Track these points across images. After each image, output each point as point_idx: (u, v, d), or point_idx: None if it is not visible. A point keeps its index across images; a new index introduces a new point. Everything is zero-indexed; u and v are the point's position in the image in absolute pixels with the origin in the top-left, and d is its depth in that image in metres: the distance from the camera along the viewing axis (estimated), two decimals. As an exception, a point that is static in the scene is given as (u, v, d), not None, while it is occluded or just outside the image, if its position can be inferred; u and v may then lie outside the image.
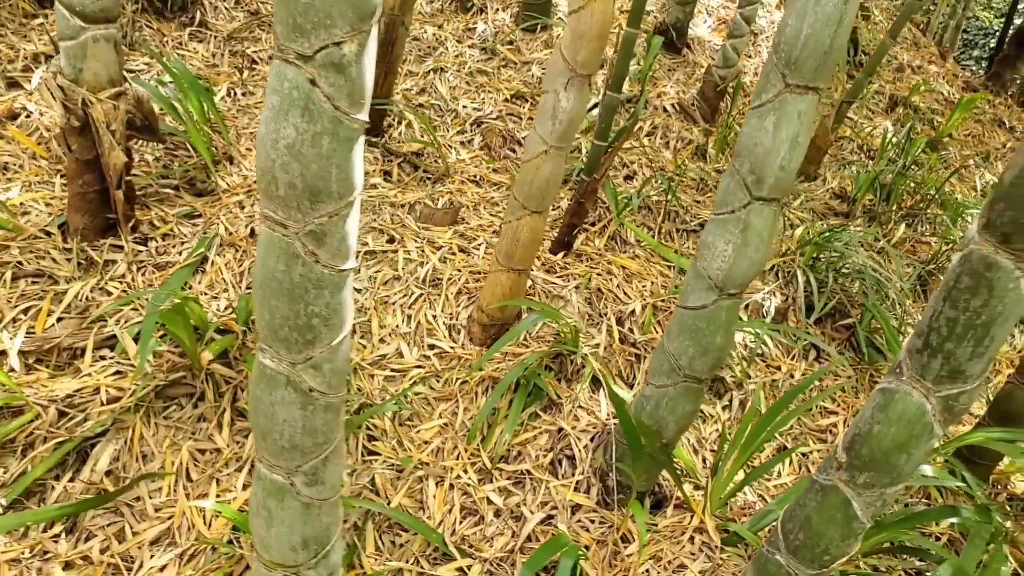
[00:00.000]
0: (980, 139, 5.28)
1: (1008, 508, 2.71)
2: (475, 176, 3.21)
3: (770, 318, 2.85)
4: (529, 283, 2.58)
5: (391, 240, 2.62)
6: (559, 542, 1.79)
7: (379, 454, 2.11)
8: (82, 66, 2.09)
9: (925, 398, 1.42)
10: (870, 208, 3.74)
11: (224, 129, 2.81)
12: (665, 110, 3.85)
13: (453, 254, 2.61)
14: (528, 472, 2.12)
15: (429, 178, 3.14)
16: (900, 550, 2.20)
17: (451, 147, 3.36)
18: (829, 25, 1.52)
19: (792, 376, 2.77)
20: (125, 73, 2.18)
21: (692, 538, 2.06)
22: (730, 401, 2.61)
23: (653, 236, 3.10)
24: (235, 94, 3.20)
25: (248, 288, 2.39)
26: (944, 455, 2.40)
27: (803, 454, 2.58)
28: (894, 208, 3.76)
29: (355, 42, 0.95)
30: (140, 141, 2.54)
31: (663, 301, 2.78)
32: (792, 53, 1.57)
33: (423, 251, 2.58)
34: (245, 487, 1.94)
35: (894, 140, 4.20)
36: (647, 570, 1.95)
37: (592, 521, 2.04)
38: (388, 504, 2.00)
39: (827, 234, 3.07)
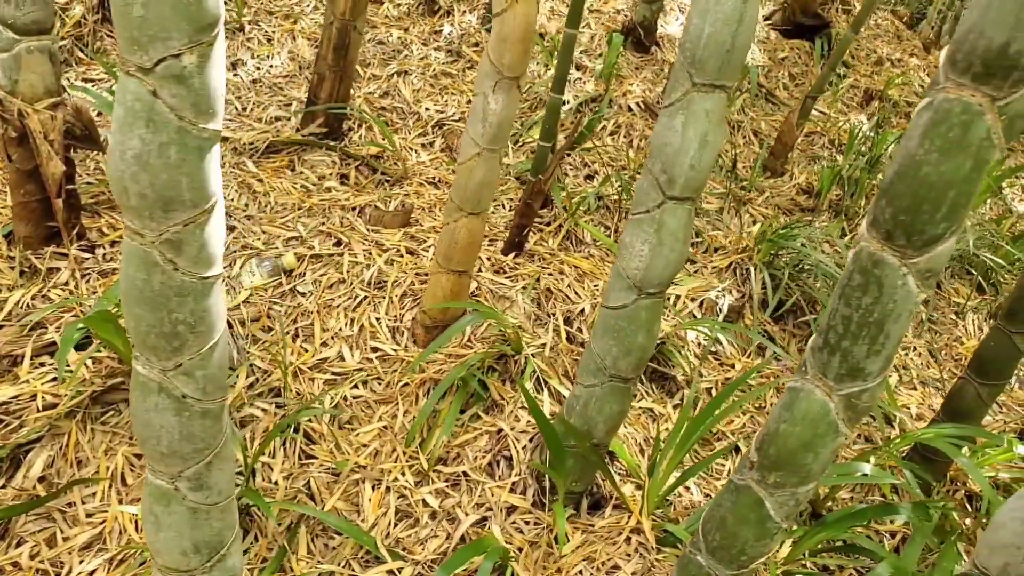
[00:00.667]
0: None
1: (968, 506, 2.69)
2: (434, 178, 3.22)
3: (723, 316, 2.84)
4: (476, 284, 2.59)
5: (338, 243, 2.63)
6: (482, 544, 1.80)
7: (316, 458, 2.12)
8: (17, 77, 2.11)
9: (828, 397, 1.42)
10: (837, 203, 3.73)
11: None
12: (630, 109, 3.84)
13: (401, 256, 2.62)
14: (465, 474, 2.13)
15: (388, 180, 3.15)
16: (849, 549, 2.19)
17: (412, 149, 3.37)
18: (729, 24, 1.52)
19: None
20: (80, 82, 2.20)
21: (629, 539, 2.06)
22: (682, 400, 2.61)
23: (610, 235, 3.10)
24: (194, 101, 3.21)
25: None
26: (890, 453, 2.39)
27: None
28: (861, 202, 3.75)
29: (195, 53, 0.95)
30: (93, 150, 2.56)
31: (616, 300, 2.77)
32: (696, 52, 1.57)
33: (370, 254, 2.59)
34: (179, 492, 1.95)
35: (866, 133, 4.18)
36: (580, 571, 1.95)
37: (527, 522, 2.04)
38: (322, 508, 2.01)
39: (784, 231, 3.06)
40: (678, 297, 2.89)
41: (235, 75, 3.46)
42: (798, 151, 4.17)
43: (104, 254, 2.42)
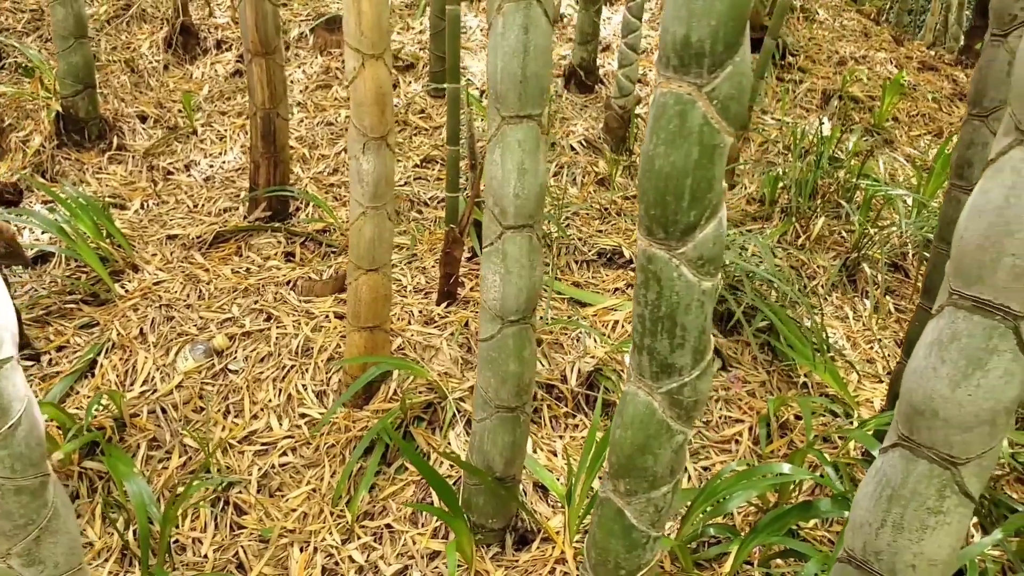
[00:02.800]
0: (932, 117, 5.17)
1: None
2: (378, 243, 3.32)
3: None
4: (403, 339, 2.65)
5: (268, 318, 2.74)
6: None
7: (246, 527, 2.18)
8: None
9: (650, 396, 1.43)
10: (789, 207, 3.71)
11: (124, 242, 3.01)
12: (572, 148, 3.92)
13: (329, 321, 2.71)
14: (389, 526, 2.16)
15: (334, 251, 3.27)
16: (788, 554, 2.14)
17: (358, 219, 3.49)
18: (516, 56, 1.59)
19: (693, 390, 2.74)
20: (39, 206, 2.39)
21: (553, 570, 2.05)
22: (624, 424, 2.59)
23: (549, 271, 3.14)
24: (148, 206, 3.42)
25: (139, 384, 2.53)
26: (817, 452, 2.33)
27: (704, 468, 2.54)
28: (818, 202, 3.71)
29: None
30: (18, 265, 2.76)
31: (550, 334, 2.80)
32: (496, 87, 1.64)
33: (298, 324, 2.69)
34: (112, 575, 2.03)
35: (818, 133, 4.17)
36: (501, 607, 1.94)
37: (447, 566, 2.05)
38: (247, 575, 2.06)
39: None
40: (616, 322, 2.90)
41: (188, 175, 3.67)
42: (752, 161, 4.17)
43: (50, 359, 2.58)
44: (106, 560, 2.07)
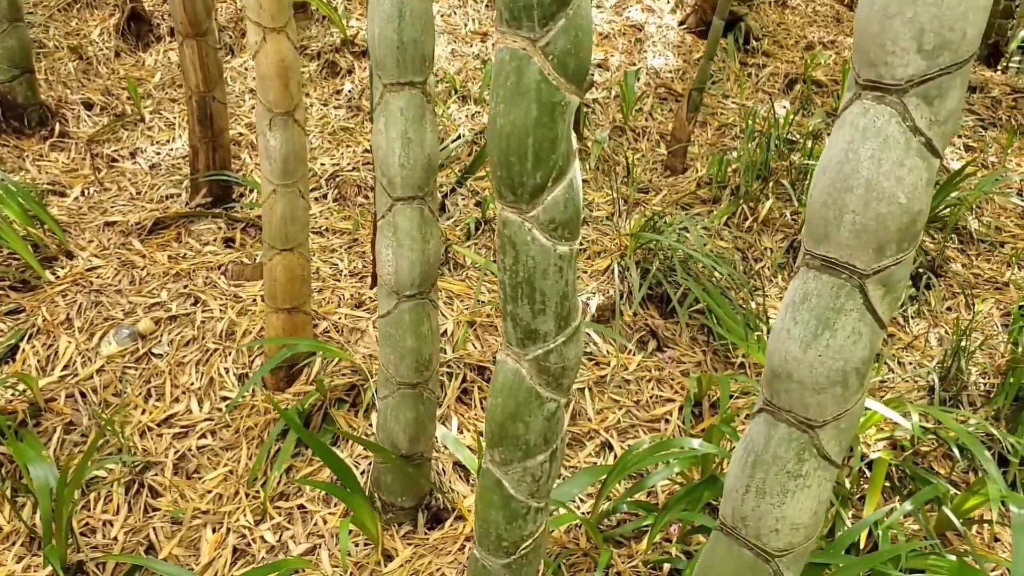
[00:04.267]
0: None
1: (866, 470, 2.57)
2: (320, 227, 3.31)
3: (589, 316, 2.82)
4: (327, 322, 2.64)
5: (196, 302, 2.72)
6: (279, 565, 1.81)
7: (159, 509, 2.16)
8: None
9: (518, 363, 1.42)
10: (738, 190, 3.69)
11: (56, 228, 2.99)
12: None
13: (255, 304, 2.70)
14: (302, 506, 2.14)
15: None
16: (705, 530, 2.12)
17: (302, 205, 3.47)
18: (391, 21, 1.57)
19: (626, 368, 2.73)
20: None
21: (463, 546, 2.03)
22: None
23: (486, 254, 3.13)
24: (88, 193, 3.40)
25: (61, 369, 2.52)
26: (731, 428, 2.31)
27: (630, 447, 2.52)
28: (769, 184, 3.69)
29: None
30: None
31: (486, 316, 2.79)
32: (375, 54, 1.62)
33: (225, 307, 2.68)
34: (18, 559, 2.02)
35: (776, 116, 4.14)
36: (406, 585, 1.93)
37: (356, 544, 2.04)
38: (157, 556, 2.05)
39: (654, 224, 3.04)
40: (552, 304, 2.88)
41: (133, 163, 3.65)
42: (708, 145, 4.15)
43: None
44: (13, 544, 2.06)
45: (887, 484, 2.51)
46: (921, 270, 3.55)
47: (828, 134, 4.31)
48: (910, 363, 3.07)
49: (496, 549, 1.59)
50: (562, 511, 2.03)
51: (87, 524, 2.12)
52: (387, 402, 1.94)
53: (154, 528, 2.11)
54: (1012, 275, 3.69)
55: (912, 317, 3.36)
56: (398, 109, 1.64)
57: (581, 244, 3.20)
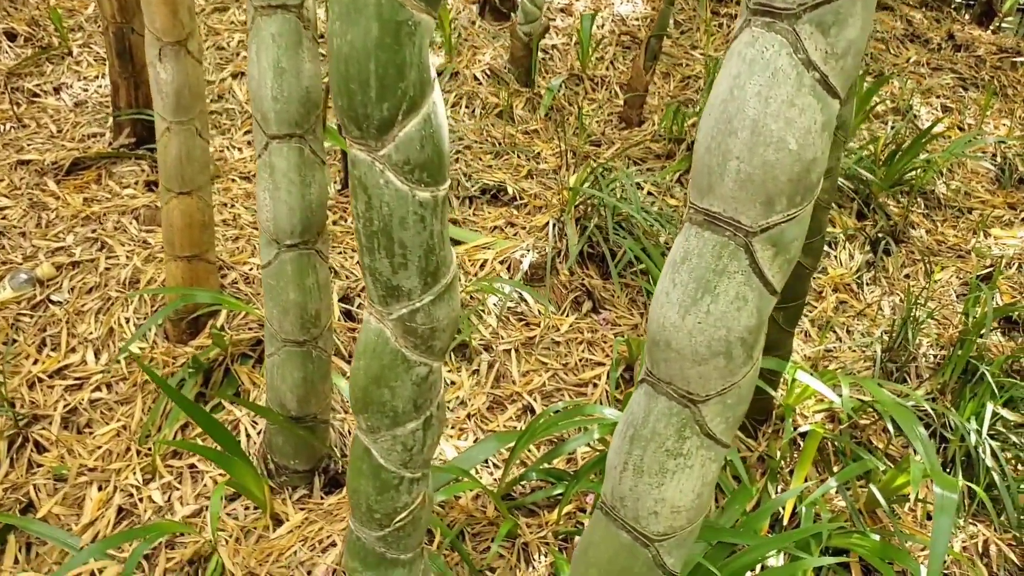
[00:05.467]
0: (875, 57, 4.96)
1: (800, 442, 2.47)
2: (250, 172, 3.13)
3: (519, 276, 2.68)
4: (236, 273, 2.48)
5: (102, 247, 2.56)
6: (159, 527, 1.69)
7: (43, 465, 2.03)
8: None
9: (381, 323, 1.27)
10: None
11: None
12: (476, 78, 3.70)
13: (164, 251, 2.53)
14: (194, 466, 2.02)
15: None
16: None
17: (235, 148, 3.29)
18: (257, -66, 1.39)
19: (557, 330, 2.60)
20: None
21: (360, 513, 1.91)
22: (479, 367, 2.45)
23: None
24: (5, 129, 3.20)
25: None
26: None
27: (557, 411, 2.41)
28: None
29: None
30: None
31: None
32: (243, -27, 1.45)
33: (132, 254, 2.51)
34: None
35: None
36: (294, 552, 1.82)
37: (247, 508, 1.92)
38: (36, 515, 1.92)
39: (599, 180, 2.88)
40: (486, 261, 2.74)
41: (57, 99, 3.43)
42: (669, 97, 3.97)
43: None
44: None
45: (822, 458, 2.41)
46: (881, 235, 3.42)
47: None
48: (860, 332, 2.95)
49: (369, 521, 1.47)
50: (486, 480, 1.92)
51: (-38, 480, 1.99)
52: (274, 360, 1.80)
53: (35, 485, 1.99)
54: (976, 243, 3.57)
55: (868, 284, 3.24)
56: (270, 35, 1.47)
57: (521, 198, 3.05)
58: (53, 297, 2.40)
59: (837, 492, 2.23)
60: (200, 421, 1.72)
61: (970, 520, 2.36)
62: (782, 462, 2.34)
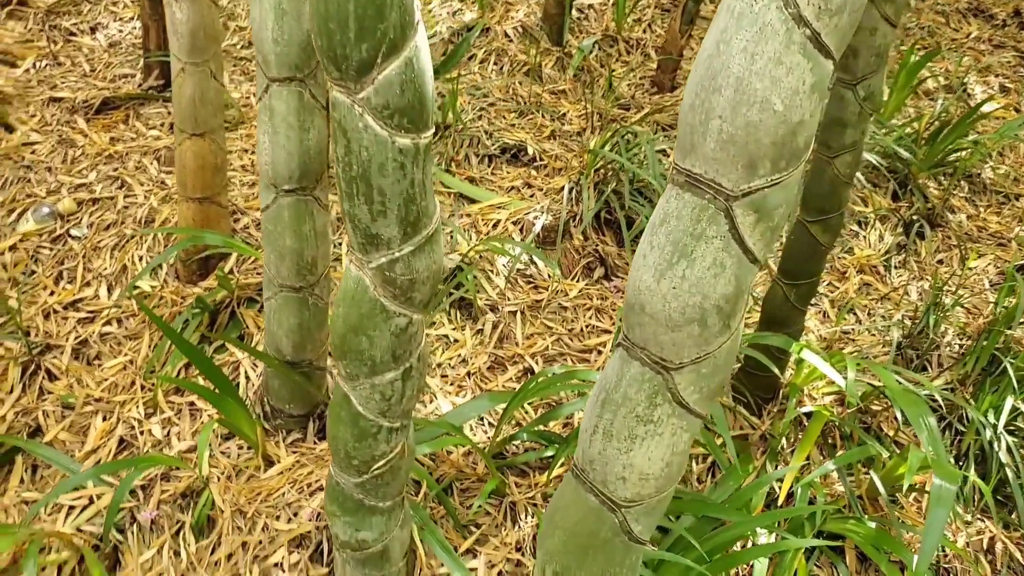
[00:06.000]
0: (931, 31, 4.74)
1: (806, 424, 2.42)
2: (275, 121, 3.13)
3: (531, 238, 2.65)
4: (248, 217, 2.49)
5: (122, 186, 2.59)
6: (153, 460, 1.74)
7: (53, 393, 2.09)
8: None
9: (361, 271, 1.27)
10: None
11: (-6, 98, 2.85)
12: (507, 35, 3.64)
13: (181, 193, 2.56)
14: (193, 403, 2.05)
15: (227, 126, 3.09)
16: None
17: (262, 95, 3.29)
18: None
19: (567, 295, 2.57)
20: None
21: (351, 461, 1.93)
22: (483, 327, 2.45)
23: (439, 161, 2.94)
24: (40, 66, 3.25)
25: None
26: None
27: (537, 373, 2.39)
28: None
29: None
30: None
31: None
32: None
33: (149, 194, 2.55)
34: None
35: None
36: (283, 494, 1.85)
37: (241, 447, 1.96)
38: (42, 440, 1.98)
39: (620, 144, 2.82)
40: (499, 221, 2.71)
41: (93, 38, 3.47)
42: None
43: None
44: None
45: (829, 443, 2.36)
46: (916, 217, 3.30)
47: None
48: (882, 316, 2.87)
49: (347, 467, 1.48)
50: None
51: (-24, 401, 2.06)
52: (271, 304, 1.81)
53: (44, 411, 2.05)
54: (1021, 231, 3.43)
55: (896, 267, 3.14)
56: (272, -26, 1.45)
57: (541, 159, 3.00)
58: (72, 232, 2.44)
59: (839, 477, 2.19)
60: (195, 360, 1.74)
61: (978, 516, 2.30)
62: (784, 442, 2.30)
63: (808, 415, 2.36)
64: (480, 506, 1.93)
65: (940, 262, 3.25)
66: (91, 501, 1.81)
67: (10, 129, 2.88)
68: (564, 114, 3.28)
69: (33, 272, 2.35)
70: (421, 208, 1.21)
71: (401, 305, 1.29)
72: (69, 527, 1.74)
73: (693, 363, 1.10)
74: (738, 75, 0.92)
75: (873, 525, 2.00)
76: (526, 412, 2.22)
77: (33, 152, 2.76)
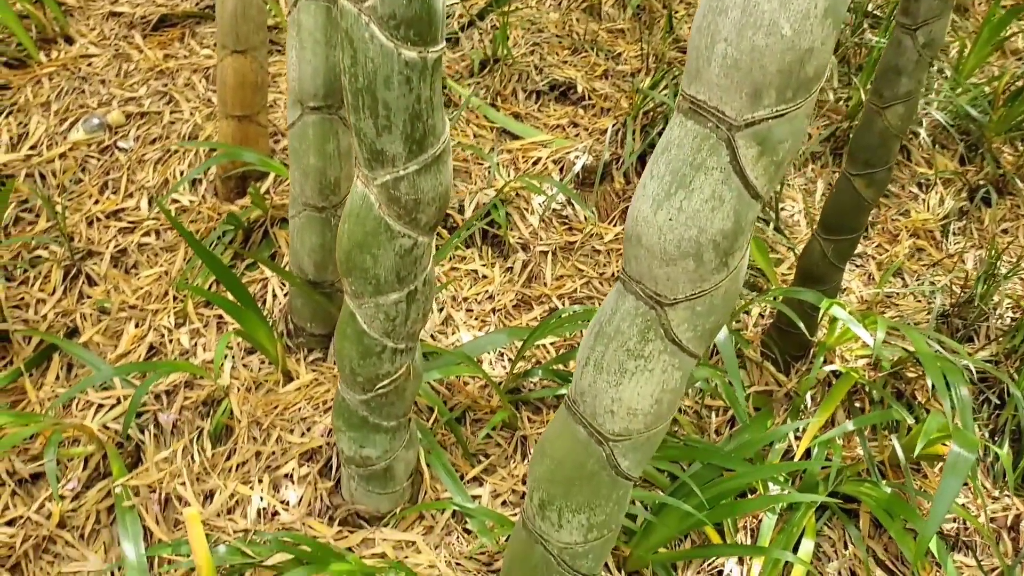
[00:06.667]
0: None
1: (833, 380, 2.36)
2: (325, 47, 3.13)
3: (569, 177, 2.60)
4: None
5: (170, 101, 2.64)
6: (176, 366, 1.81)
7: (91, 297, 2.18)
8: None
9: (367, 188, 1.27)
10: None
11: (57, 11, 2.91)
12: (566, -30, 3.53)
13: (226, 112, 2.60)
14: (222, 316, 2.12)
15: (280, 50, 3.11)
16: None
17: (315, 20, 3.29)
18: None
19: (602, 238, 2.54)
20: None
21: (367, 383, 1.97)
22: (513, 264, 2.44)
23: (485, 96, 2.90)
24: (103, -21, 3.30)
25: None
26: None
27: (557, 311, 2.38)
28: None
29: None
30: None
31: (464, 161, 2.62)
32: None
33: (195, 111, 2.59)
34: None
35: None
36: (299, 408, 1.90)
37: (263, 362, 2.01)
38: (78, 340, 2.08)
39: (667, 85, 2.73)
40: (540, 159, 2.68)
41: (155, -45, 3.50)
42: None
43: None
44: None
45: (857, 406, 2.30)
46: (983, 183, 3.12)
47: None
48: (930, 282, 2.75)
49: (352, 384, 1.51)
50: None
51: (22, 299, 2.16)
52: (295, 223, 1.83)
53: (82, 314, 2.14)
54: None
55: (954, 233, 2.99)
56: None
57: (590, 99, 2.93)
58: (119, 144, 2.51)
59: (860, 441, 2.13)
60: (218, 273, 1.78)
61: (1006, 492, 2.23)
62: (808, 401, 2.25)
63: (837, 376, 2.30)
64: (489, 435, 1.95)
65: (1004, 231, 3.09)
66: (118, 401, 1.90)
67: (70, 41, 2.95)
68: (620, 54, 3.18)
69: (80, 180, 2.43)
70: (428, 126, 1.20)
71: (406, 226, 1.29)
72: (96, 423, 1.83)
73: (688, 300, 1.07)
74: (746, -6, 0.86)
75: (889, 491, 1.95)
76: (547, 351, 2.22)
77: (89, 64, 2.83)
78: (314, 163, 1.70)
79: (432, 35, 1.11)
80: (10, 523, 1.68)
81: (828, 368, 2.24)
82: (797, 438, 2.14)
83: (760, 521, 1.93)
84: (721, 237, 1.01)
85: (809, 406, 2.27)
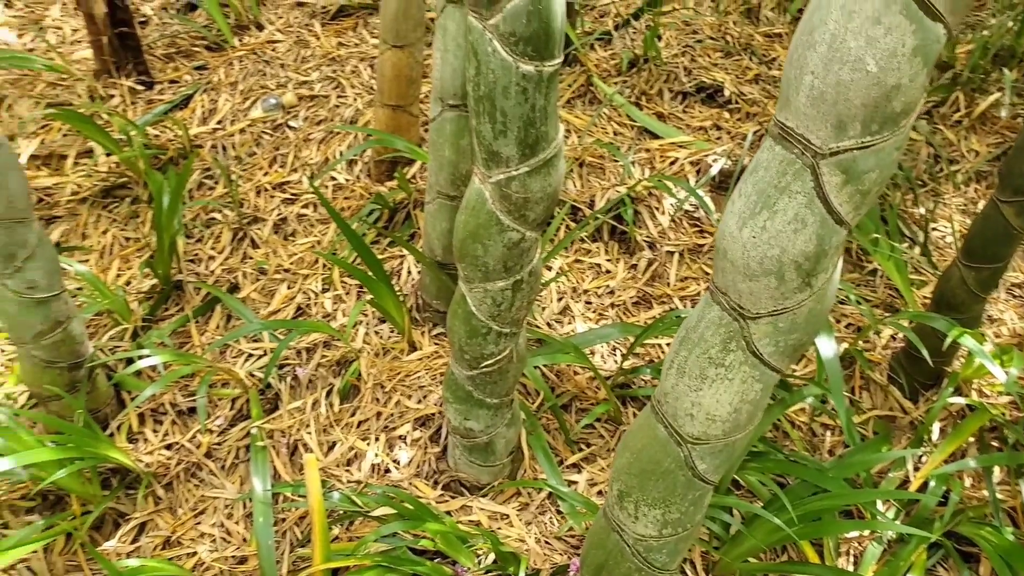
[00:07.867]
0: None
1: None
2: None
3: (704, 180, 2.60)
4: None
5: (337, 86, 2.89)
6: (315, 326, 2.03)
7: (252, 258, 2.46)
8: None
9: (482, 184, 1.39)
10: (959, 75, 3.06)
11: (253, 1, 3.26)
12: (728, -31, 3.48)
13: (385, 97, 2.81)
14: (362, 287, 2.32)
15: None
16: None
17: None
18: None
19: (730, 244, 2.53)
20: None
21: (482, 362, 2.11)
22: (638, 262, 2.49)
23: (630, 95, 2.95)
24: (293, -28, 3.63)
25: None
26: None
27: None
28: (1008, 73, 3.03)
29: None
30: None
31: (600, 157, 2.69)
32: None
33: (358, 97, 2.82)
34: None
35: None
36: (419, 376, 2.07)
37: (392, 332, 2.20)
38: (236, 294, 2.36)
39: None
40: (676, 160, 2.70)
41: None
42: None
43: (160, 89, 2.96)
44: (142, 256, 2.47)
45: (992, 445, 2.17)
46: None
47: None
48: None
49: (460, 360, 1.65)
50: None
51: (197, 255, 2.47)
52: (429, 208, 1.99)
53: (243, 273, 2.42)
54: None
55: None
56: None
57: (736, 102, 2.90)
58: (290, 123, 2.79)
59: (986, 481, 2.02)
60: (356, 247, 1.98)
61: None
62: (936, 434, 2.15)
63: (972, 410, 2.18)
64: (592, 426, 2.03)
65: None
66: (265, 353, 2.15)
67: (260, 27, 3.29)
68: (774, 59, 3.12)
69: (254, 153, 2.73)
70: (540, 133, 1.29)
71: (515, 221, 1.39)
72: (244, 370, 2.08)
73: (770, 315, 1.11)
74: (833, 32, 0.89)
75: (1012, 538, 1.84)
76: (662, 351, 2.26)
77: (274, 49, 3.15)
78: (449, 156, 1.84)
79: (549, 51, 1.20)
80: (168, 447, 1.97)
81: (960, 400, 2.13)
82: (916, 469, 2.06)
83: (864, 549, 1.89)
84: (803, 258, 1.04)
85: (936, 438, 2.17)
